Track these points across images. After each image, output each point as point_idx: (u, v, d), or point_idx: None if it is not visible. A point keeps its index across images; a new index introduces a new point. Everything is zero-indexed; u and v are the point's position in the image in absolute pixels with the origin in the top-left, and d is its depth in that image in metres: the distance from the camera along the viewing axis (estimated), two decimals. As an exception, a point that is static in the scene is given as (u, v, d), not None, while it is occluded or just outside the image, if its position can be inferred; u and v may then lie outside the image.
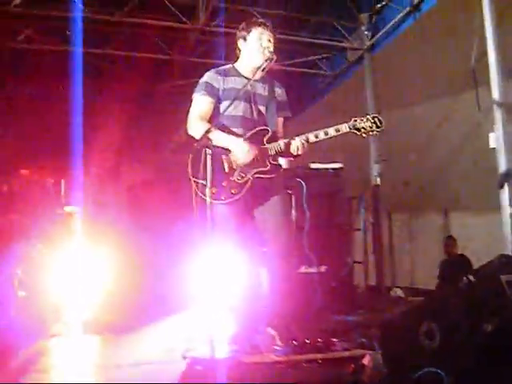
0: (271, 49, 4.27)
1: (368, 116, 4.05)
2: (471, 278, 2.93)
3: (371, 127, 4.03)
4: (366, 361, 3.08)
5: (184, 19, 7.93)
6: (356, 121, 4.04)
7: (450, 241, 9.37)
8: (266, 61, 4.20)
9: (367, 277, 7.30)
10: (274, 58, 4.23)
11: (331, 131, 4.07)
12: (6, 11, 7.34)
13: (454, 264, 8.55)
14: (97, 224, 8.01)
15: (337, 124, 4.07)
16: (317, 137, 4.09)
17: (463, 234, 10.41)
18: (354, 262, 7.20)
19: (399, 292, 7.94)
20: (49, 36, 8.14)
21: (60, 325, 5.44)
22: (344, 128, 4.05)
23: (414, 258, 11.55)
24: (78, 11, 7.47)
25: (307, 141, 4.09)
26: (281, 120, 4.47)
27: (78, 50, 8.30)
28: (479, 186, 9.90)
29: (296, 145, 4.08)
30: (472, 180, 10.04)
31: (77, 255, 6.09)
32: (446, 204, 11.48)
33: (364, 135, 4.06)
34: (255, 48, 4.27)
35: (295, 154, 4.12)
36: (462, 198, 10.83)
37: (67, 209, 6.37)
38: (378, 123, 4.04)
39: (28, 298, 5.60)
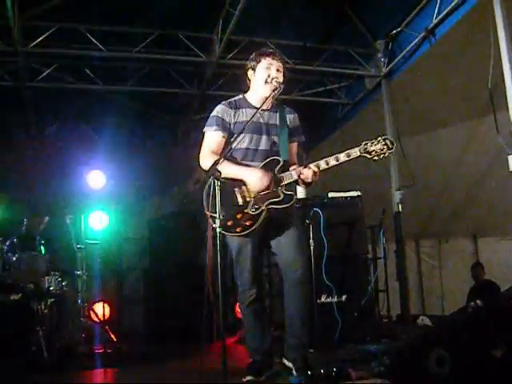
0: (280, 79, 4.28)
1: (379, 138, 4.03)
2: (479, 303, 2.86)
3: (382, 149, 4.01)
4: (375, 389, 3.01)
5: (199, 53, 8.03)
6: (367, 144, 4.02)
7: (477, 267, 9.26)
8: (274, 91, 4.23)
9: (389, 305, 7.16)
10: (282, 88, 4.25)
11: (342, 157, 4.04)
12: (25, 51, 7.52)
13: (482, 290, 8.43)
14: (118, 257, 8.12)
15: (347, 149, 4.06)
16: (328, 163, 4.07)
17: (492, 259, 10.28)
18: (377, 290, 7.12)
19: (426, 321, 7.75)
20: (68, 74, 8.29)
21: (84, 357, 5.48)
22: (354, 153, 4.03)
23: (444, 285, 11.43)
24: (96, 49, 7.60)
25: (318, 168, 4.08)
26: (295, 145, 4.48)
27: (98, 87, 8.50)
28: (508, 210, 9.80)
29: (307, 173, 4.08)
30: (500, 204, 9.93)
31: (97, 287, 6.12)
32: (474, 229, 11.37)
33: (376, 158, 4.03)
34: (263, 78, 4.29)
35: (307, 182, 4.12)
36: (490, 222, 10.72)
37: (88, 241, 6.42)
38: (390, 145, 4.02)
39: (49, 331, 5.64)
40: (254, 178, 4.08)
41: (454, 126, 8.99)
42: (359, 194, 6.52)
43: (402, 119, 8.37)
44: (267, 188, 4.07)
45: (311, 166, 4.07)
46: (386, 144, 4.01)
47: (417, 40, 7.60)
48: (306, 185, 4.17)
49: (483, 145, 8.86)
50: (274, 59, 4.33)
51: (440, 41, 7.32)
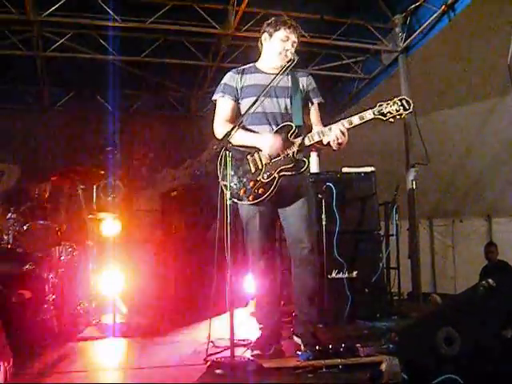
0: (293, 52, 4.21)
1: (394, 99, 3.87)
2: (491, 282, 2.81)
3: (398, 110, 3.84)
4: (383, 366, 2.98)
5: (215, 24, 7.94)
6: (382, 105, 3.88)
7: (490, 247, 9.18)
8: (289, 62, 4.15)
9: (400, 283, 7.12)
10: (295, 59, 4.17)
11: (355, 120, 3.93)
12: (40, 21, 7.48)
13: (494, 270, 8.38)
14: (130, 230, 8.11)
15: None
16: (343, 125, 3.94)
17: (506, 239, 10.19)
18: (388, 267, 7.08)
19: (438, 299, 7.71)
20: (82, 44, 8.25)
21: (91, 328, 5.50)
22: (368, 115, 3.91)
23: (456, 264, 11.36)
24: (110, 19, 7.54)
25: (343, 126, 3.93)
26: (316, 107, 4.38)
27: (112, 58, 8.45)
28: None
29: (335, 133, 3.93)
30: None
31: (108, 260, 6.12)
32: (488, 209, 11.27)
33: (391, 120, 3.88)
34: (278, 48, 4.22)
35: (337, 141, 3.95)
36: (504, 203, 10.60)
37: (99, 215, 6.40)
38: (406, 105, 3.84)
39: (60, 301, 5.67)
40: (267, 144, 4.03)
41: (471, 103, 8.85)
42: (373, 169, 6.44)
43: (419, 96, 8.25)
44: (281, 153, 4.02)
45: (334, 125, 3.95)
46: (402, 104, 3.84)
47: (436, 15, 7.47)
48: (338, 146, 3.98)
49: (501, 124, 8.74)
50: (292, 33, 4.25)
51: (459, 16, 7.19)
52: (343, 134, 3.94)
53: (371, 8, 8.19)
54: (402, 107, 3.85)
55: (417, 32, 8.01)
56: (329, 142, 4.02)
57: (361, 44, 8.82)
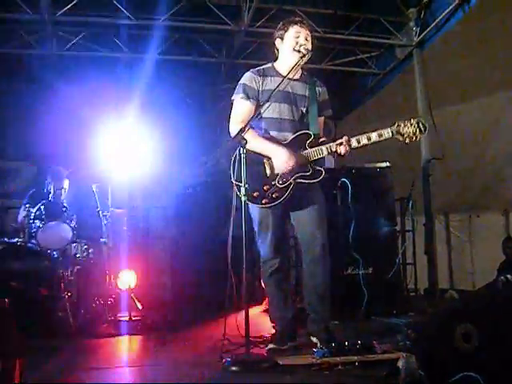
0: (308, 46, 4.21)
1: (412, 121, 4.00)
2: (510, 277, 2.78)
3: (414, 132, 3.99)
4: (399, 363, 2.95)
5: (228, 21, 7.92)
6: (399, 126, 4.00)
7: (508, 242, 9.08)
8: (302, 58, 4.16)
9: (417, 279, 7.07)
10: (310, 55, 4.18)
11: (374, 136, 4.03)
12: (53, 19, 7.50)
13: (512, 265, 8.29)
14: (145, 225, 8.14)
15: (379, 129, 4.02)
16: (359, 142, 4.05)
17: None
18: (405, 263, 7.04)
19: (455, 295, 7.65)
20: (95, 43, 8.27)
21: (106, 325, 5.52)
22: (387, 134, 4.02)
23: (474, 260, 11.26)
24: (124, 17, 7.55)
25: (350, 145, 4.04)
26: (321, 119, 4.41)
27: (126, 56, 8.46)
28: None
29: (340, 151, 4.04)
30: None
31: (123, 257, 6.15)
32: (506, 204, 11.14)
33: (407, 140, 4.01)
34: (291, 46, 4.23)
35: (338, 155, 4.10)
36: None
37: (115, 211, 6.43)
38: (422, 128, 3.99)
39: (76, 298, 5.71)
40: (280, 160, 4.04)
41: (487, 96, 8.75)
42: (389, 165, 6.40)
43: (434, 89, 8.18)
44: (293, 169, 4.03)
45: (343, 142, 4.02)
46: (418, 127, 3.99)
47: (450, 8, 7.40)
48: (339, 156, 4.13)
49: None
50: (302, 27, 4.28)
51: (474, 8, 7.11)
52: (346, 150, 4.05)
53: (385, 2, 8.13)
54: (418, 129, 4.00)
55: (431, 26, 7.94)
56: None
57: (375, 39, 8.75)
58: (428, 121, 7.96)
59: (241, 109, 4.25)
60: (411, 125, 3.98)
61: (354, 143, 4.04)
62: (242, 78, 4.32)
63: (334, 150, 4.05)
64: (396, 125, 4.00)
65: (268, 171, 4.08)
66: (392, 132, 3.99)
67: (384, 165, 6.42)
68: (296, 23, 4.29)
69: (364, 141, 4.02)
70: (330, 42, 8.85)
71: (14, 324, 2.90)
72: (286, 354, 3.96)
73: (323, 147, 4.09)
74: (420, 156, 8.31)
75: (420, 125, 3.99)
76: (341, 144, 4.03)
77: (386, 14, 8.37)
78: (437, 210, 8.69)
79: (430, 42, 8.18)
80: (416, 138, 4.00)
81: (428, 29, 8.01)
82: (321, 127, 4.38)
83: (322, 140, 4.21)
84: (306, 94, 4.31)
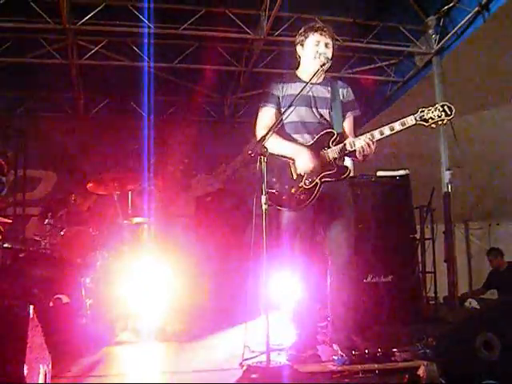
0: (328, 54, 4.23)
1: (436, 105, 3.87)
2: (474, 303, 2.76)
3: (440, 116, 3.83)
4: (420, 372, 2.95)
5: (247, 30, 7.97)
6: (423, 111, 3.87)
7: (490, 254, 9.18)
8: (322, 66, 4.17)
9: (437, 287, 7.03)
10: (330, 63, 4.20)
11: (397, 126, 3.93)
12: (74, 29, 7.59)
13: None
14: (165, 234, 8.16)
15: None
16: (382, 133, 3.97)
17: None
18: (425, 272, 7.00)
19: (474, 303, 7.58)
20: (116, 52, 8.36)
21: (127, 332, 5.55)
22: (410, 120, 3.90)
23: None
24: (144, 26, 7.62)
25: (372, 138, 3.98)
26: (351, 119, 4.41)
27: (147, 64, 8.53)
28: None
29: (360, 144, 3.99)
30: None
31: (144, 265, 6.17)
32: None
33: (433, 126, 3.87)
34: (311, 53, 4.26)
35: (362, 153, 4.01)
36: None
37: (135, 220, 6.46)
38: (448, 111, 3.84)
39: (96, 306, 5.73)
40: (302, 160, 4.06)
41: (506, 105, 8.70)
42: (408, 173, 6.38)
43: (453, 97, 8.13)
44: (317, 168, 4.02)
45: (365, 136, 3.99)
46: (444, 110, 3.84)
47: (470, 15, 7.38)
48: (363, 157, 4.04)
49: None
50: (322, 35, 4.30)
51: (494, 16, 7.08)
52: (369, 145, 3.97)
53: (404, 10, 8.13)
54: (443, 113, 3.84)
55: (450, 33, 7.92)
56: (355, 153, 4.04)
57: (394, 46, 8.75)
58: (447, 129, 7.96)
59: (264, 115, 4.30)
60: (436, 109, 3.83)
61: (376, 135, 3.96)
62: (267, 86, 4.38)
63: (356, 145, 4.00)
64: (419, 111, 3.87)
65: (294, 174, 4.09)
66: (415, 118, 3.86)
67: (403, 173, 6.39)
68: (316, 30, 4.31)
69: (387, 132, 3.93)
70: (349, 50, 8.87)
71: (40, 331, 2.92)
72: (307, 362, 3.95)
73: (346, 142, 4.06)
74: (439, 164, 8.27)
75: (445, 107, 3.83)
76: (360, 139, 3.99)
77: (405, 22, 8.37)
78: (456, 218, 8.63)
79: (449, 50, 8.14)
80: (442, 122, 3.84)
81: (447, 36, 8.00)
82: (350, 127, 4.37)
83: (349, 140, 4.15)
84: (328, 96, 4.32)
